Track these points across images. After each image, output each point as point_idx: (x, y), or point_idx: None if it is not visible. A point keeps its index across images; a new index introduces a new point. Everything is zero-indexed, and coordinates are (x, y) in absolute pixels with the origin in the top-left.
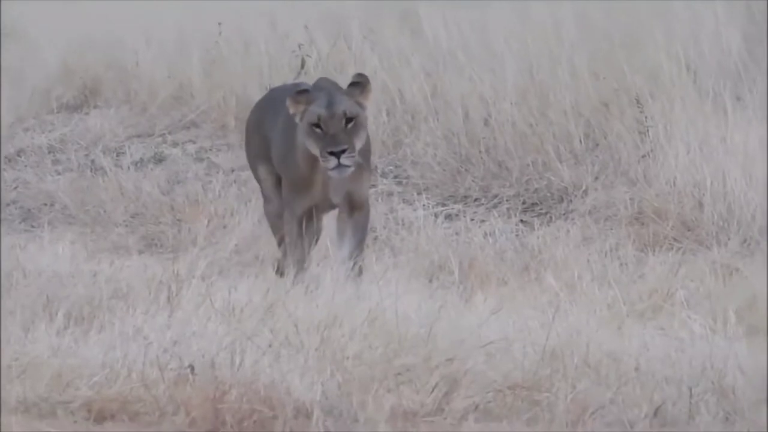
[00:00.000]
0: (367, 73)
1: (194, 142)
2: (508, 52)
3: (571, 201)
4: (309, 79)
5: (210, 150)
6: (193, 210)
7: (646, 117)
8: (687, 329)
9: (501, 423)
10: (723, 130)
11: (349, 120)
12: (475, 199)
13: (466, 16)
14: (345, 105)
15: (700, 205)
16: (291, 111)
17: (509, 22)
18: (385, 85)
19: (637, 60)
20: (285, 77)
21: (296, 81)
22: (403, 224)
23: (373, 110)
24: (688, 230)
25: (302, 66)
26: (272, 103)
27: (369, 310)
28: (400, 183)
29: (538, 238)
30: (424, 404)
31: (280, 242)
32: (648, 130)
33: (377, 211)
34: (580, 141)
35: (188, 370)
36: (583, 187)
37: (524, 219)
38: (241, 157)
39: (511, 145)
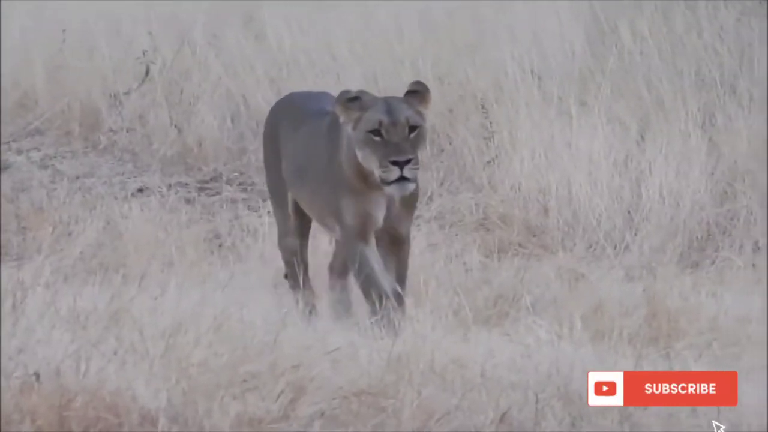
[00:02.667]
0: (210, 79)
1: (39, 150)
2: (351, 56)
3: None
4: (154, 86)
5: (54, 157)
6: (38, 217)
7: (490, 122)
8: (533, 335)
9: (347, 429)
10: (568, 135)
11: (412, 129)
12: None
13: (309, 20)
14: (407, 112)
15: (546, 210)
16: (342, 119)
17: (353, 25)
18: (229, 92)
19: (481, 64)
20: (129, 84)
21: (311, 90)
22: (248, 231)
23: (218, 117)
24: (534, 236)
25: (146, 73)
26: (288, 114)
27: (214, 317)
28: (245, 190)
29: None
30: (269, 411)
31: (293, 282)
32: (493, 136)
33: (221, 219)
34: (425, 147)
35: (33, 377)
36: (429, 193)
37: None
38: (85, 164)
39: None
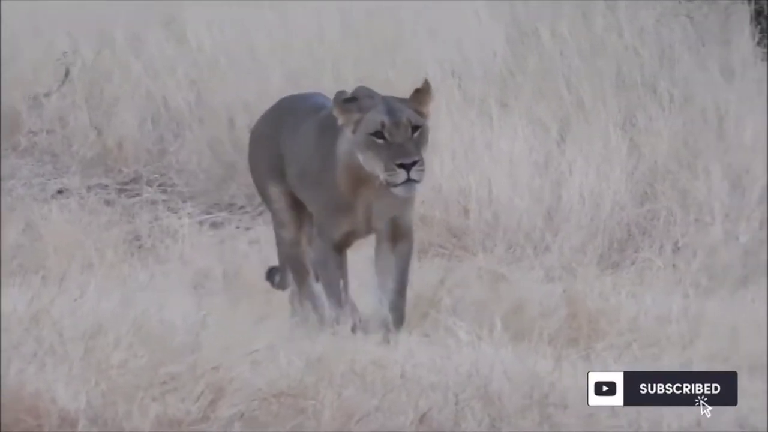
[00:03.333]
0: (131, 80)
1: None
2: (272, 57)
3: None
4: (74, 87)
5: None
6: None
7: None
8: (453, 336)
9: (266, 430)
10: (488, 137)
11: (414, 129)
12: (240, 207)
13: (230, 21)
14: (408, 112)
15: (466, 211)
16: (340, 122)
17: (273, 26)
18: (149, 93)
19: (402, 65)
20: (49, 85)
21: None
22: (168, 232)
23: (138, 118)
24: (454, 237)
25: (66, 74)
26: (287, 115)
27: (134, 318)
28: (165, 191)
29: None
30: (189, 412)
31: (298, 277)
32: None
33: (141, 220)
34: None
35: None
36: None
37: None
38: (5, 166)
39: None
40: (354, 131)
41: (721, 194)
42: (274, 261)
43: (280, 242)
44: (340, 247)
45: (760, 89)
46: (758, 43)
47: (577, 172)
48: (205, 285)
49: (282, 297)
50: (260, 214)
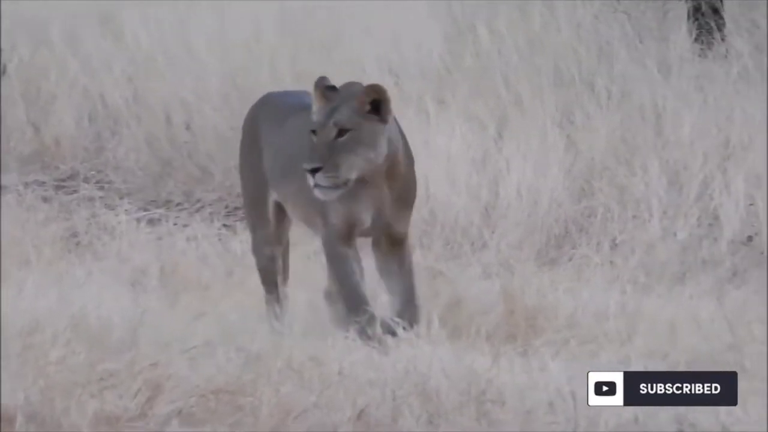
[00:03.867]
0: (68, 77)
1: None
2: (209, 55)
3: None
4: (11, 84)
5: None
6: None
7: None
8: (390, 333)
9: (204, 427)
10: (425, 134)
11: (342, 132)
12: (178, 204)
13: (167, 19)
14: (342, 114)
15: None
16: (314, 108)
17: (211, 24)
18: (86, 90)
19: (339, 63)
20: None
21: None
22: (105, 229)
23: (75, 115)
24: None
25: (3, 71)
26: (270, 111)
27: (72, 315)
28: (102, 188)
29: (240, 242)
30: (127, 409)
31: (267, 287)
32: None
33: (79, 217)
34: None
35: None
36: None
37: (227, 223)
38: None
39: (214, 150)
40: None
41: (659, 191)
42: (212, 257)
43: (260, 257)
44: (347, 238)
45: (698, 85)
46: (695, 40)
47: (514, 169)
48: (142, 282)
49: (218, 293)
50: (197, 210)
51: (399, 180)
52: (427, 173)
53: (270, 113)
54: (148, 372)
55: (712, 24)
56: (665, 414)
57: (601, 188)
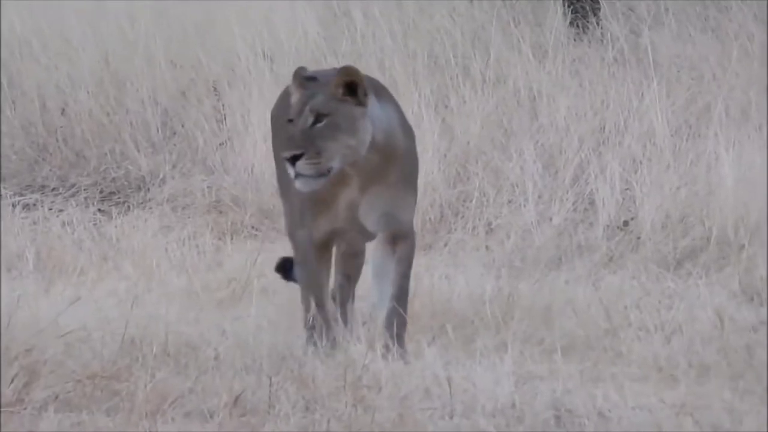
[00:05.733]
0: None
1: None
2: (84, 39)
3: (149, 190)
4: None
5: None
6: None
7: (223, 105)
8: (266, 318)
9: (81, 413)
10: None
11: (319, 118)
12: (53, 189)
13: (40, 3)
14: (318, 99)
15: (277, 193)
16: (292, 98)
17: (85, 8)
18: None
19: (213, 47)
20: None
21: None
22: None
23: None
24: (267, 218)
25: None
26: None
27: None
28: None
29: (116, 227)
30: (3, 395)
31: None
32: (225, 118)
33: None
34: (158, 130)
35: None
36: (161, 176)
37: (102, 208)
38: None
39: (89, 135)
40: None
41: (534, 175)
42: (87, 242)
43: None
44: (323, 245)
45: (573, 70)
46: (571, 24)
47: None
48: (17, 267)
49: (93, 278)
50: (73, 196)
51: (398, 160)
52: None
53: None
54: (23, 358)
55: (588, 8)
56: (542, 398)
57: (477, 172)
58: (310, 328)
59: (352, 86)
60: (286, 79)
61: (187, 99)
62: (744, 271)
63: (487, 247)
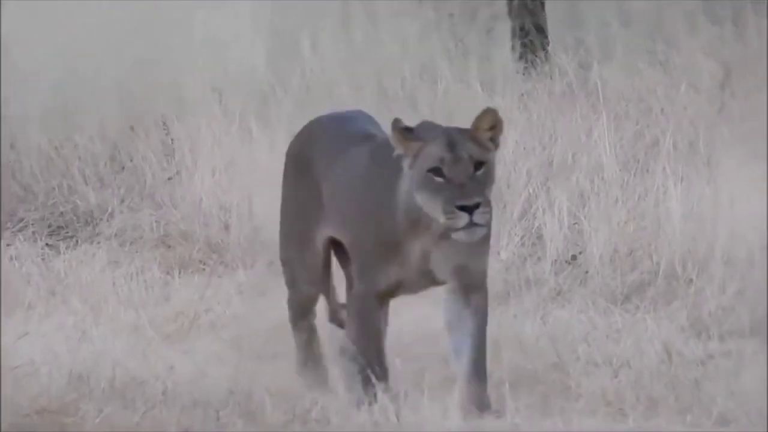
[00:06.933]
0: None
1: None
2: (32, 72)
3: (97, 224)
4: None
5: None
6: None
7: (171, 139)
8: (213, 352)
9: None
10: (248, 152)
11: (478, 165)
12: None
13: None
14: (470, 146)
15: (226, 227)
16: (398, 151)
17: (32, 38)
18: None
19: (162, 81)
20: None
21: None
22: None
23: None
24: (215, 252)
25: None
26: (327, 138)
27: None
28: None
29: (64, 261)
30: None
31: (301, 336)
32: (174, 152)
33: None
34: (106, 164)
35: None
36: (109, 210)
37: (50, 243)
38: None
39: (37, 169)
40: (411, 166)
41: None
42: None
43: (295, 295)
44: (384, 298)
45: (522, 104)
46: (519, 58)
47: None
48: None
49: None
50: (21, 230)
51: None
52: (250, 192)
53: (327, 141)
54: None
55: (536, 42)
56: None
57: None
58: (366, 385)
59: (493, 129)
60: (235, 112)
61: (135, 133)
62: (692, 306)
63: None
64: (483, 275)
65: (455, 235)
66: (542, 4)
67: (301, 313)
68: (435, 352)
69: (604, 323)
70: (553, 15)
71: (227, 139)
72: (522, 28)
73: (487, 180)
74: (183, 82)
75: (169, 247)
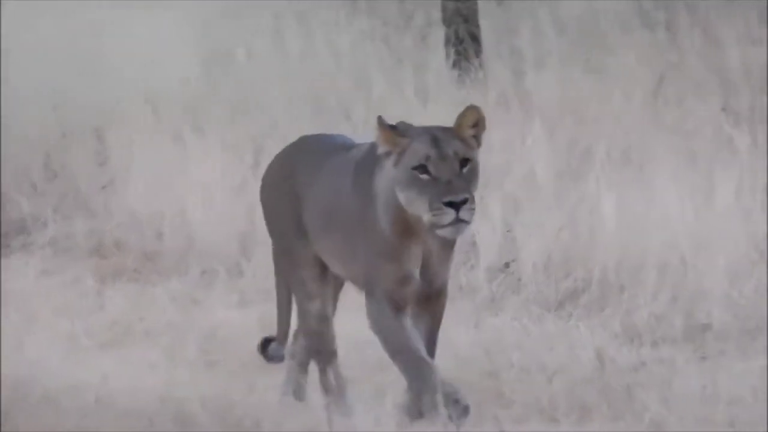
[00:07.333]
0: None
1: None
2: None
3: (30, 233)
4: None
5: None
6: None
7: (105, 147)
8: (147, 360)
9: None
10: (182, 161)
11: (464, 162)
12: None
13: None
14: (456, 143)
15: (160, 235)
16: (382, 149)
17: None
18: None
19: (95, 89)
20: None
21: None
22: None
23: None
24: (149, 261)
25: None
26: (306, 154)
27: None
28: None
29: None
30: None
31: (321, 358)
32: (108, 161)
33: None
34: (39, 172)
35: None
36: (42, 219)
37: None
38: None
39: None
40: (396, 164)
41: None
42: None
43: (304, 317)
44: (399, 304)
45: (456, 111)
46: (453, 66)
47: None
48: None
49: None
50: None
51: None
52: (184, 200)
53: (308, 159)
54: None
55: (470, 50)
56: None
57: None
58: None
59: (476, 127)
60: (169, 122)
61: (68, 141)
62: (625, 313)
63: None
64: (447, 276)
65: (441, 232)
66: (476, 12)
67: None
68: (365, 360)
69: (537, 330)
70: (488, 23)
71: (161, 149)
72: (456, 36)
73: (473, 177)
74: (117, 92)
75: (103, 256)
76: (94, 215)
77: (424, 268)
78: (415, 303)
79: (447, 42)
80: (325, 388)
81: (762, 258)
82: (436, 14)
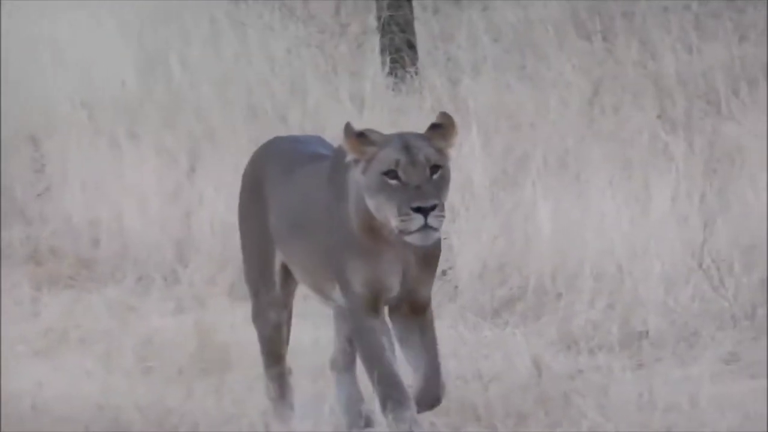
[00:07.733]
0: None
1: None
2: None
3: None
4: None
5: None
6: None
7: (41, 154)
8: (83, 367)
9: None
10: (118, 167)
11: (434, 169)
12: None
13: None
14: (427, 150)
15: (96, 242)
16: (350, 156)
17: None
18: None
19: (30, 96)
20: None
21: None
22: None
23: None
24: (84, 268)
25: None
26: (277, 158)
27: None
28: None
29: None
30: None
31: (270, 362)
32: (43, 168)
33: None
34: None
35: None
36: None
37: None
38: None
39: None
40: (364, 171)
41: None
42: None
43: (263, 324)
44: (376, 307)
45: (392, 119)
46: (389, 73)
47: (207, 203)
48: None
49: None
50: None
51: None
52: (120, 207)
53: (278, 161)
54: None
55: (406, 58)
56: None
57: None
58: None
59: (446, 133)
60: (104, 128)
61: (4, 149)
62: (561, 320)
63: (305, 297)
64: (430, 294)
65: (409, 239)
66: (412, 20)
67: (273, 360)
68: (303, 365)
69: (473, 338)
70: (423, 30)
71: (96, 155)
72: (392, 44)
73: (443, 184)
74: (52, 99)
75: (39, 263)
76: (29, 222)
77: (404, 279)
78: (401, 318)
79: (383, 50)
80: (268, 392)
81: (698, 265)
82: (372, 22)
